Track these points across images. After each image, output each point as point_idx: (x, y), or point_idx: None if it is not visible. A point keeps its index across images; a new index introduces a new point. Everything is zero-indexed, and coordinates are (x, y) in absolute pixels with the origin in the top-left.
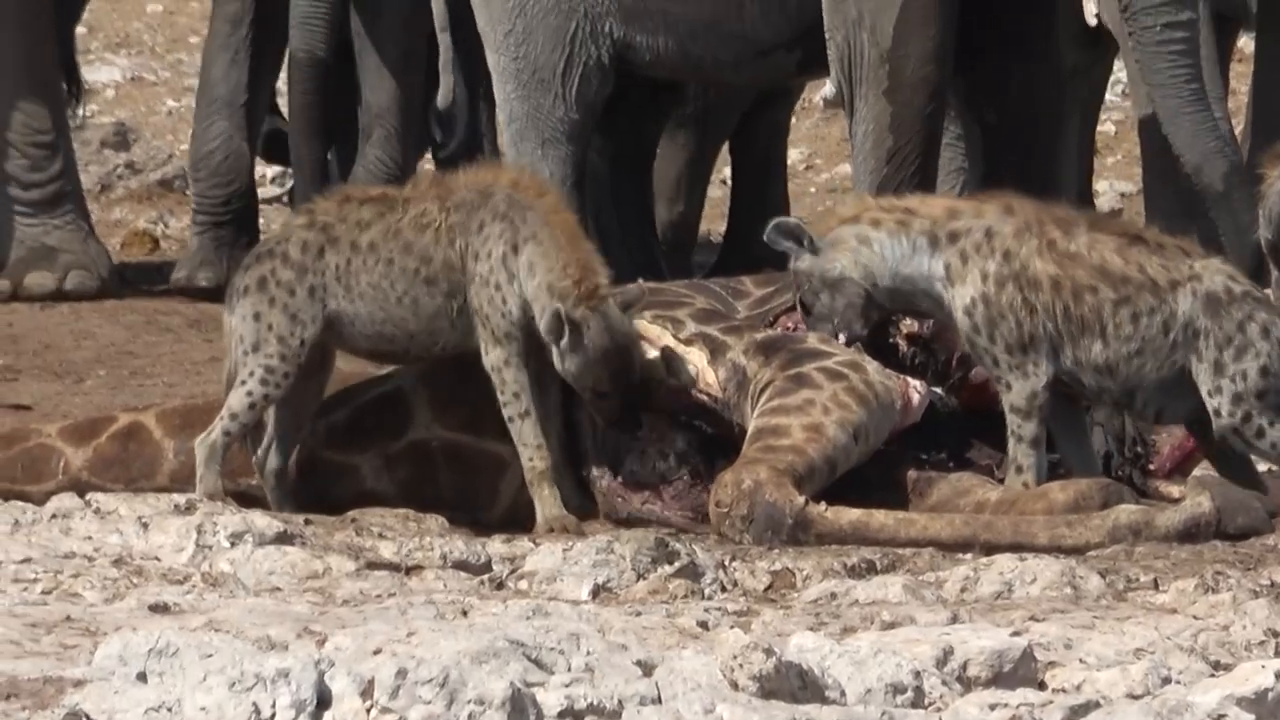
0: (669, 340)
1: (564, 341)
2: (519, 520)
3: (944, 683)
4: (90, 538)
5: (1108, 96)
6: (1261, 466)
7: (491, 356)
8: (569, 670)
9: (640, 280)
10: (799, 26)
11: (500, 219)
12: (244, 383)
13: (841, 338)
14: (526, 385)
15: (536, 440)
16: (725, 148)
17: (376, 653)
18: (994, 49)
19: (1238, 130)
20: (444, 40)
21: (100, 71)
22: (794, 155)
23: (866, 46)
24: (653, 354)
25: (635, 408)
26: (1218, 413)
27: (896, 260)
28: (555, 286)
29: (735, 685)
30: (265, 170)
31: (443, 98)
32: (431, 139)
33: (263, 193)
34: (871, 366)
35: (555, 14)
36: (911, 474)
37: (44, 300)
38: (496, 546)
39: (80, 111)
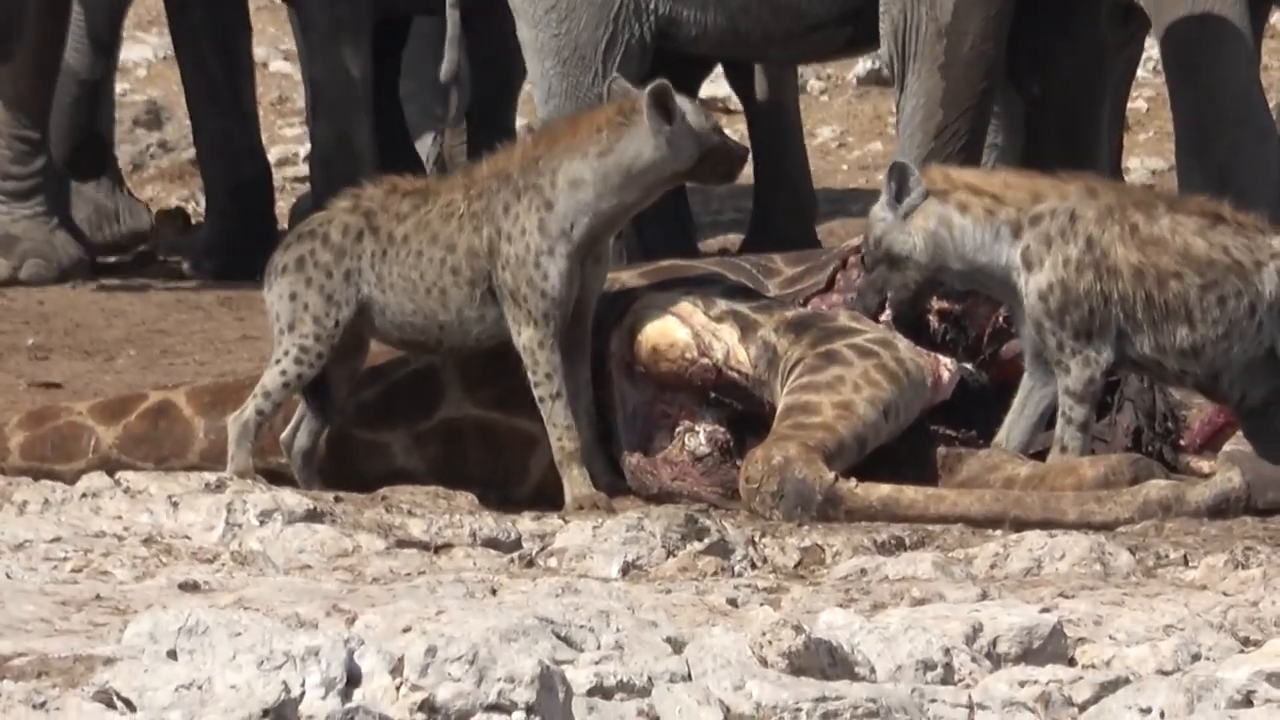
0: (700, 317)
1: (674, 117)
2: (549, 497)
3: (973, 659)
4: (120, 516)
5: (1140, 73)
6: None
7: (524, 336)
8: (598, 648)
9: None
10: (854, 2)
11: (524, 192)
12: (278, 361)
13: (884, 317)
14: (559, 366)
15: (566, 421)
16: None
17: (406, 631)
18: (1041, 22)
19: (1272, 105)
20: (453, 16)
21: (132, 50)
22: (826, 133)
23: (924, 20)
24: (683, 331)
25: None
26: None
27: (974, 248)
28: (607, 141)
29: (765, 662)
30: (300, 149)
31: (446, 72)
32: (432, 113)
33: (293, 171)
34: (902, 344)
35: None
36: (941, 450)
37: None
38: (526, 524)
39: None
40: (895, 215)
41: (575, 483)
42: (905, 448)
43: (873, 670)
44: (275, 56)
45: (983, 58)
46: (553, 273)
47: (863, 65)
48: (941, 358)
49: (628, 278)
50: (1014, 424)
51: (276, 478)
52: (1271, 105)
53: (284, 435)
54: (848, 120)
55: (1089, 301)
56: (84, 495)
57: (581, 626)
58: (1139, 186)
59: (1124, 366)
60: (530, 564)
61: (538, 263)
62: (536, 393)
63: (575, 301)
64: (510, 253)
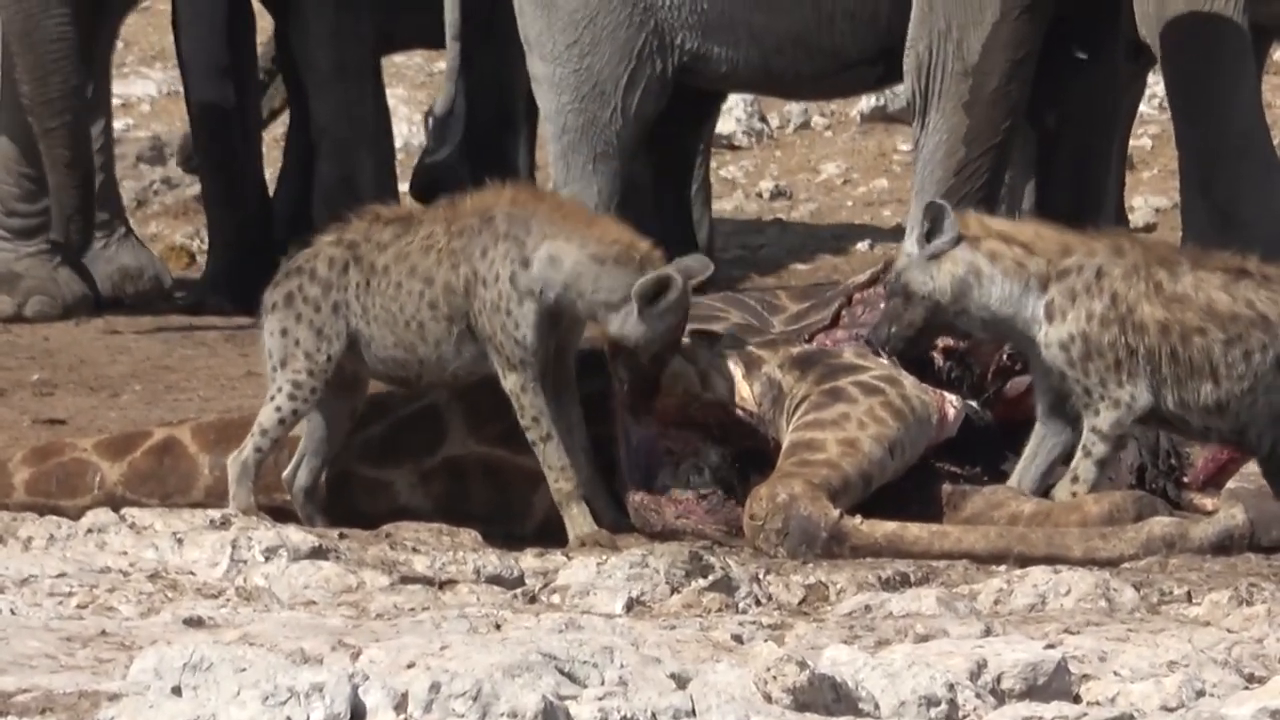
0: (704, 353)
1: (661, 301)
2: (553, 534)
3: (978, 695)
4: (125, 552)
5: (1144, 109)
6: None
7: (509, 382)
8: (602, 683)
9: None
10: (887, 42)
11: (503, 239)
12: (273, 398)
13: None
14: (545, 409)
15: (561, 461)
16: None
17: (410, 666)
18: (1060, 54)
19: (1277, 143)
20: (453, 48)
21: (136, 86)
22: (831, 169)
23: (950, 59)
24: (688, 368)
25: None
26: None
27: (1001, 298)
28: (607, 254)
29: (769, 698)
30: None
31: (441, 105)
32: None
33: None
34: (908, 381)
35: (626, 27)
36: (946, 487)
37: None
38: (530, 560)
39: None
40: (921, 253)
41: (576, 522)
42: (910, 485)
43: (877, 706)
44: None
45: (1007, 97)
46: (524, 324)
47: (867, 102)
48: (947, 395)
49: None
50: (1024, 471)
51: (281, 514)
52: (1276, 141)
53: (286, 474)
54: (852, 156)
55: (1114, 353)
56: (89, 531)
57: (585, 662)
58: (1164, 244)
59: (1150, 422)
60: (534, 600)
61: (509, 310)
62: (528, 436)
63: (556, 346)
64: (486, 297)
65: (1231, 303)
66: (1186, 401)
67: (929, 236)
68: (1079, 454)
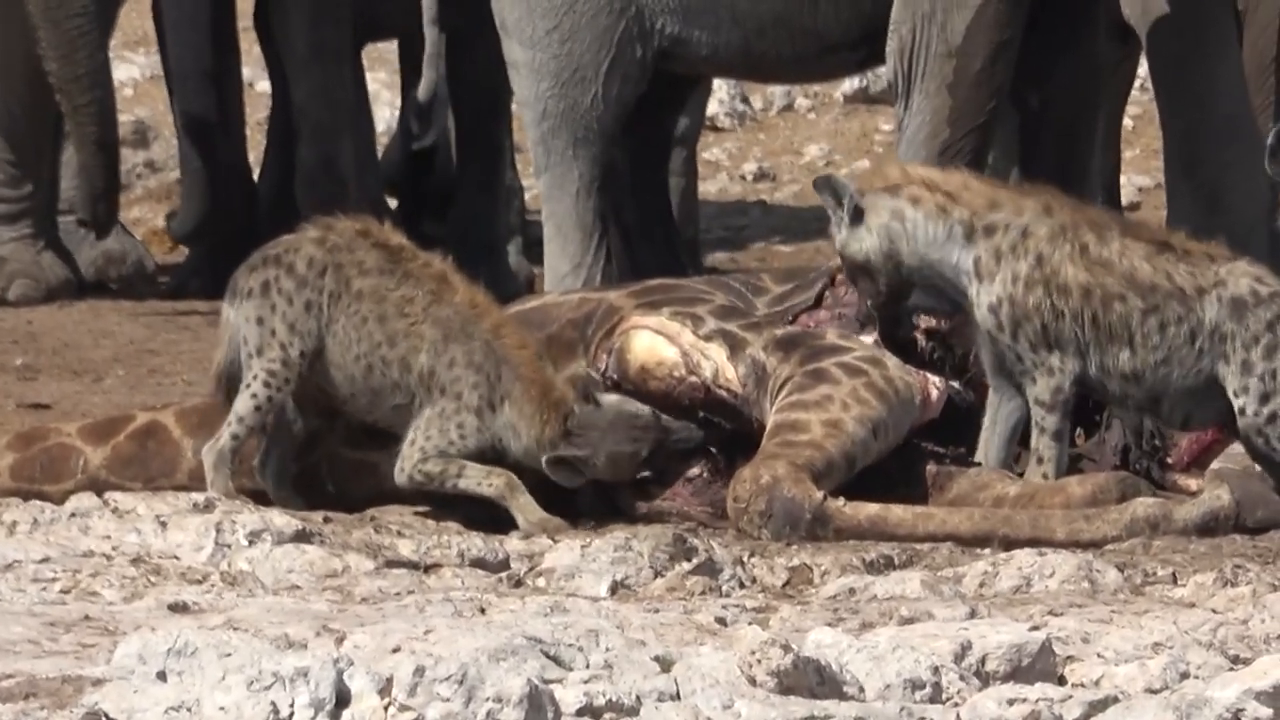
0: (688, 336)
1: (583, 461)
2: None
3: (962, 678)
4: (109, 537)
5: None
6: None
7: (407, 470)
8: (587, 667)
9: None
10: (869, 25)
11: (476, 370)
12: (249, 386)
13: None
14: (447, 457)
15: (478, 475)
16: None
17: (395, 651)
18: (1042, 35)
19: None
20: (431, 34)
21: (119, 70)
22: (813, 150)
23: (934, 41)
24: (672, 350)
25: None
26: (1243, 412)
27: (926, 244)
28: (543, 440)
29: (753, 681)
30: None
31: (424, 91)
32: (407, 130)
33: None
34: (891, 362)
35: (607, 13)
36: (930, 469)
37: None
38: (514, 544)
39: None
40: (843, 223)
41: (526, 510)
42: (895, 466)
43: (861, 689)
44: (261, 77)
45: (991, 78)
46: (470, 437)
47: (850, 83)
48: (930, 376)
49: (616, 297)
50: (988, 441)
51: (264, 499)
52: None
53: (255, 462)
54: (835, 138)
55: (1039, 316)
56: (72, 516)
57: (570, 646)
58: (1098, 208)
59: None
60: (519, 584)
61: (461, 424)
62: (448, 487)
63: None
64: (441, 403)
65: (1152, 272)
66: (1107, 367)
67: (840, 205)
68: (1034, 432)
